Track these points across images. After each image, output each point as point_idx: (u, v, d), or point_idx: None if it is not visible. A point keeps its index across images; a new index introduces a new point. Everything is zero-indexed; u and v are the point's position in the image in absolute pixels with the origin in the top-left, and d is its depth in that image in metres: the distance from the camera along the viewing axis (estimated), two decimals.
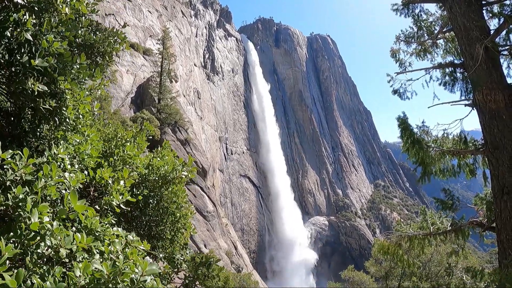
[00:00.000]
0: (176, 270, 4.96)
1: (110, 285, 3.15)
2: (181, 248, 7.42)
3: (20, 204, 3.43)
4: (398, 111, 11.21)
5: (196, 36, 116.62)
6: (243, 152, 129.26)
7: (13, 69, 4.63)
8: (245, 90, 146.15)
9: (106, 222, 4.74)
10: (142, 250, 3.71)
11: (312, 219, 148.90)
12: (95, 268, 3.19)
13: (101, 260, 3.33)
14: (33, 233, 3.33)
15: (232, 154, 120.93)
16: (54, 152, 4.92)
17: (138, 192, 6.69)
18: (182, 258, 5.27)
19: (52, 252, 3.25)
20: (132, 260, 3.43)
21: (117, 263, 3.31)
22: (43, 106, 4.99)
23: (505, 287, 5.81)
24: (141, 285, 3.29)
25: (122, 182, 5.62)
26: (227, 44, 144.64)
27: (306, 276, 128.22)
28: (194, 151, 55.75)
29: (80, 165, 5.75)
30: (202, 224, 46.30)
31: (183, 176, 7.14)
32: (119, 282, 3.17)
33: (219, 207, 61.85)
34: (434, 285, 10.78)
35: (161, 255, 6.40)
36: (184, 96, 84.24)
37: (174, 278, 5.29)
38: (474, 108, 10.18)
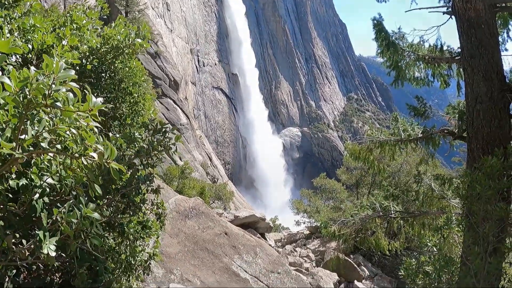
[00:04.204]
0: (129, 143, 4.66)
1: (20, 109, 2.50)
2: (139, 127, 7.18)
3: None
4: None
5: None
6: (215, 64, 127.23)
7: None
8: (217, 0, 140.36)
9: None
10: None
11: (285, 130, 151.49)
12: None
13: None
14: None
15: (204, 66, 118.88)
16: None
17: (88, 62, 6.24)
18: (140, 137, 4.95)
19: None
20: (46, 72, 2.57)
21: (27, 74, 2.54)
22: None
23: (475, 189, 6.08)
24: (53, 98, 2.53)
25: (64, 42, 5.18)
26: None
27: (280, 184, 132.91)
28: (165, 64, 54.64)
29: (24, 39, 5.22)
30: None
31: (136, 43, 6.55)
32: (28, 94, 2.47)
33: (192, 119, 61.97)
34: (404, 191, 11.21)
35: (117, 135, 6.07)
36: (153, 8, 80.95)
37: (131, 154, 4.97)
38: (453, 16, 10.00)
